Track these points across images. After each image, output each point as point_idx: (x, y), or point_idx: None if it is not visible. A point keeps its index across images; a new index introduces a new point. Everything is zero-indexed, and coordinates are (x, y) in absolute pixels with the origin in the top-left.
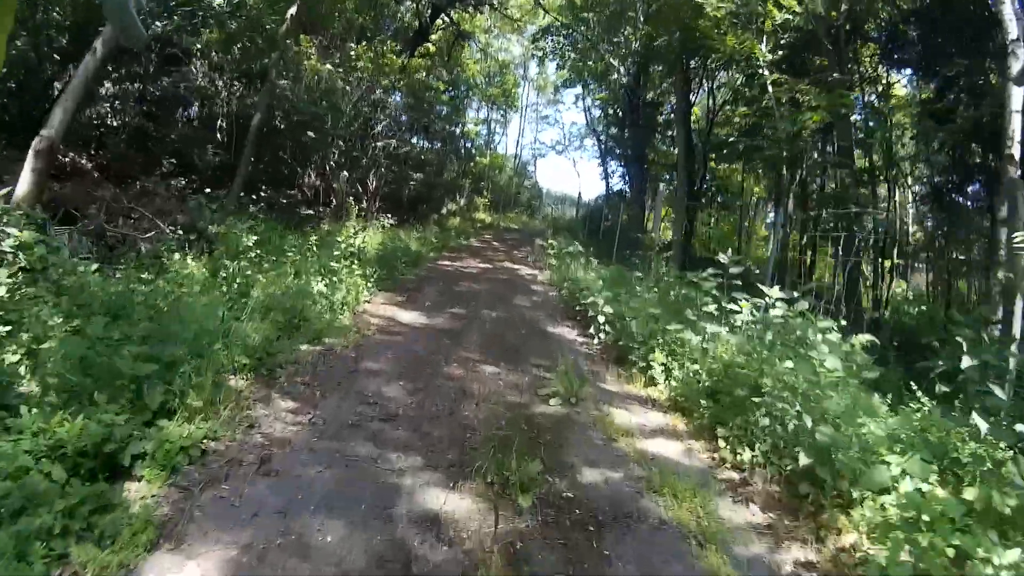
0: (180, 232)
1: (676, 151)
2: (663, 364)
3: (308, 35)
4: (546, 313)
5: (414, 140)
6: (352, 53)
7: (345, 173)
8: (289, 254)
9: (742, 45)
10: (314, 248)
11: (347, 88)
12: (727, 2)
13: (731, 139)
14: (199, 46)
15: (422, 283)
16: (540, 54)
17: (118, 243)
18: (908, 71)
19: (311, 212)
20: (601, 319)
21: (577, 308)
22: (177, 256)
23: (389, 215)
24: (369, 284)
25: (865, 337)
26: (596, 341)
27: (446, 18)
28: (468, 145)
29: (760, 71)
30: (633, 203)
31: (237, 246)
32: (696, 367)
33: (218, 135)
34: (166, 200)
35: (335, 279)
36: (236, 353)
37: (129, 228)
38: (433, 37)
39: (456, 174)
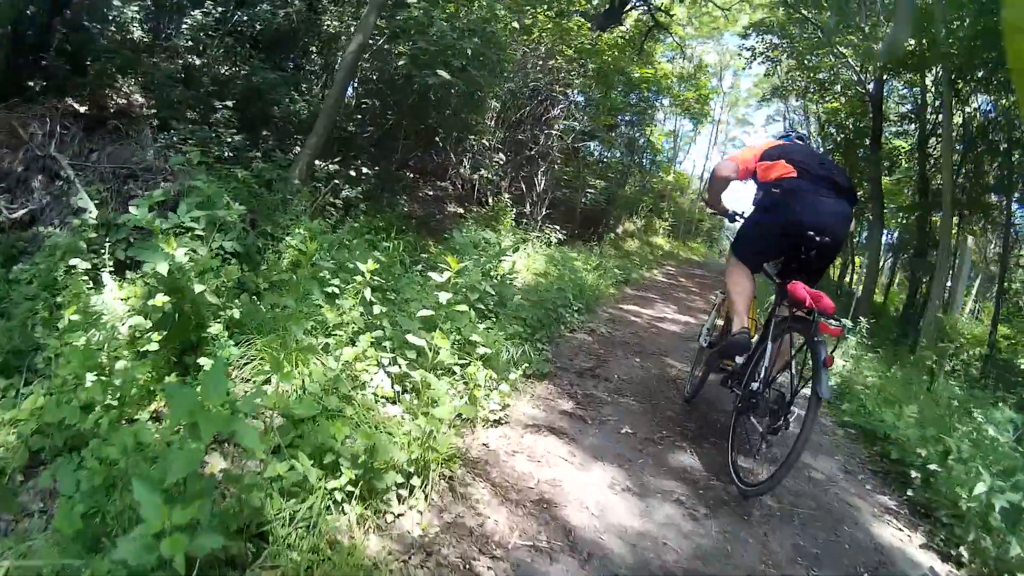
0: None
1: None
2: None
3: None
4: (839, 465)
5: (593, 142)
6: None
7: (501, 156)
8: (410, 293)
9: None
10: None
11: (514, 25)
12: None
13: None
14: None
15: (603, 360)
16: (748, 55)
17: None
18: None
19: (460, 211)
20: None
21: (881, 453)
22: (81, 269)
23: (557, 227)
24: (511, 369)
25: None
26: None
27: (642, 5)
28: (652, 158)
29: None
30: (870, 257)
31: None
32: None
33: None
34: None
35: (451, 373)
36: None
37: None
38: (622, 28)
39: (638, 189)
